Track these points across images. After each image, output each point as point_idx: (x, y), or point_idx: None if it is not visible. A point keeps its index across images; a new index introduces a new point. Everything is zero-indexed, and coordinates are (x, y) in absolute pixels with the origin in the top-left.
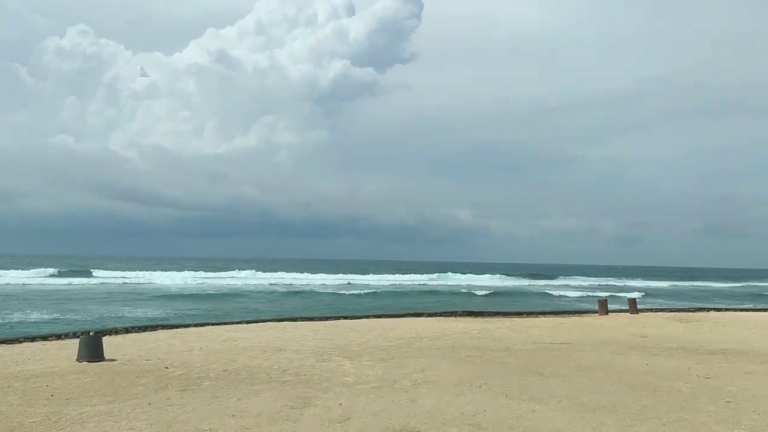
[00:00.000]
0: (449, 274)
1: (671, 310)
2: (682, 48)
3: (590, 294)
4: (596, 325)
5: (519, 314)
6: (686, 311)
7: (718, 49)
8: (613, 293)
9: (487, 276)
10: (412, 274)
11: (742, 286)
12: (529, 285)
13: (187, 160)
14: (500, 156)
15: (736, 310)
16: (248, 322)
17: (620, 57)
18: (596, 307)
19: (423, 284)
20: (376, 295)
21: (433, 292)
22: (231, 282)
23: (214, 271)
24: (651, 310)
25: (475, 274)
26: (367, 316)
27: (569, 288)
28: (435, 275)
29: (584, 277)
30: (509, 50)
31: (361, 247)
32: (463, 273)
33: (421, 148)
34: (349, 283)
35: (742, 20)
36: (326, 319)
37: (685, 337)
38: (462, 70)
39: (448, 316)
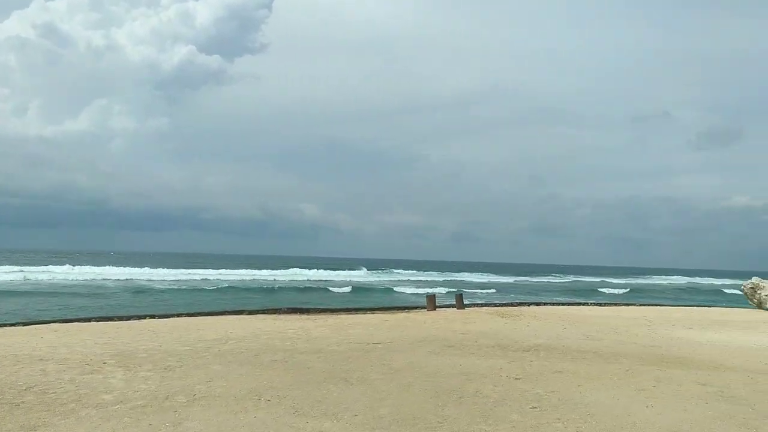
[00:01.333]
0: (296, 270)
1: (495, 305)
2: (517, 58)
3: (430, 290)
4: (420, 322)
5: (347, 311)
6: (509, 306)
7: (549, 61)
8: (450, 288)
9: (342, 272)
10: (252, 270)
11: (567, 282)
12: (376, 281)
13: (4, 141)
14: (347, 152)
15: (554, 304)
16: (25, 324)
17: (463, 63)
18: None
19: (264, 279)
20: (212, 291)
21: (269, 290)
22: (44, 277)
23: (34, 265)
24: (477, 305)
25: (324, 269)
26: (178, 315)
27: (408, 283)
28: (279, 270)
29: (425, 272)
30: (359, 47)
31: (205, 241)
32: (309, 268)
33: (268, 140)
34: (181, 279)
35: (569, 36)
36: (128, 318)
37: (503, 333)
38: (312, 65)
39: (271, 313)
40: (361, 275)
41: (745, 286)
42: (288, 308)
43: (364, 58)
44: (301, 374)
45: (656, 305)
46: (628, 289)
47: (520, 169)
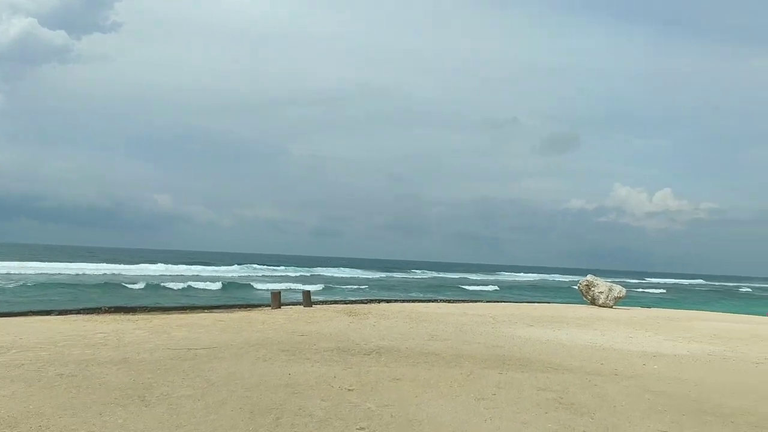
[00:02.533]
0: (145, 265)
1: (345, 303)
2: (383, 59)
3: (293, 285)
4: (259, 323)
5: (182, 309)
6: (359, 303)
7: (414, 63)
8: (315, 284)
9: (183, 267)
10: (99, 263)
11: (425, 278)
12: (235, 276)
13: None
14: (206, 143)
15: (405, 301)
16: None
17: (331, 61)
18: (294, 300)
19: (103, 274)
20: (42, 286)
21: (107, 285)
22: None
23: None
24: (326, 302)
25: (170, 264)
26: None
27: (266, 279)
28: (123, 266)
29: (286, 267)
30: (224, 35)
31: (45, 231)
32: (154, 263)
33: (120, 126)
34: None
35: (433, 39)
36: None
37: (346, 334)
38: (171, 49)
39: (88, 313)
40: (234, 270)
41: (580, 284)
42: (109, 307)
43: (229, 47)
44: (87, 393)
45: (501, 302)
46: (497, 287)
47: (381, 166)
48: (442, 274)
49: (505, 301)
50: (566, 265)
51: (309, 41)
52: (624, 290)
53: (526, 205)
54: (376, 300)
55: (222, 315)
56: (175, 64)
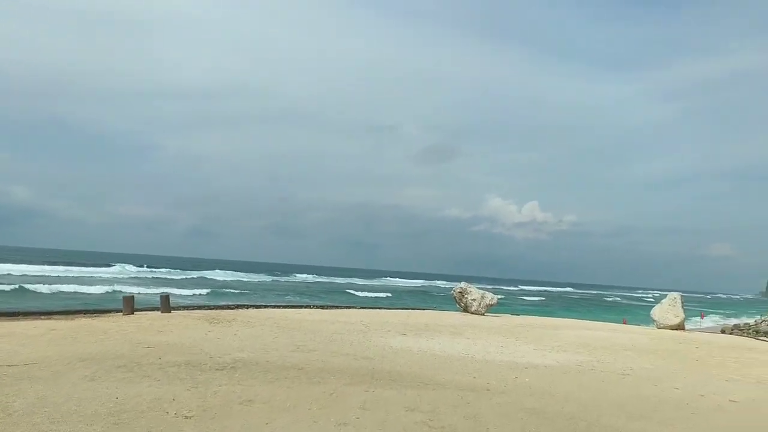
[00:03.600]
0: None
1: (209, 308)
2: (268, 58)
3: (151, 290)
4: (101, 331)
5: (12, 315)
6: (225, 308)
7: (299, 64)
8: (179, 288)
9: (47, 266)
10: None
11: (312, 282)
12: (90, 275)
13: None
14: (72, 132)
15: (275, 306)
16: None
17: (213, 56)
18: (155, 306)
19: None
20: None
21: None
22: None
23: None
24: (188, 307)
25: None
26: None
27: (127, 282)
28: None
29: (156, 269)
30: (93, 20)
31: None
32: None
33: None
34: None
35: (319, 43)
36: None
37: (200, 346)
38: (35, 31)
39: None
40: (103, 272)
41: (454, 291)
42: None
43: (100, 32)
44: None
45: (376, 308)
46: (387, 294)
47: (261, 167)
48: (328, 279)
49: (382, 308)
50: (443, 271)
51: (187, 32)
52: (496, 298)
53: (405, 212)
54: (244, 305)
55: (59, 322)
56: (40, 46)
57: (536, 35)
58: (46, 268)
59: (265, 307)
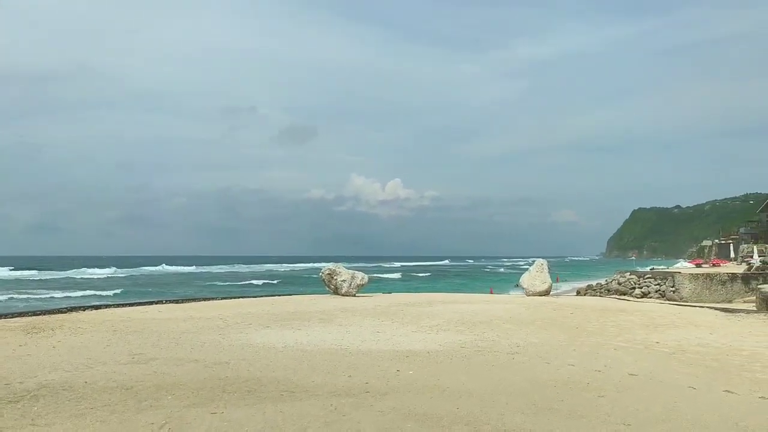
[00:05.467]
0: None
1: (33, 313)
2: (106, 38)
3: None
4: None
5: None
6: (54, 313)
7: (145, 45)
8: (40, 291)
9: None
10: None
11: (184, 273)
12: None
13: None
14: None
15: (119, 305)
16: None
17: (42, 37)
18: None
19: None
20: None
21: None
22: None
23: None
24: (4, 315)
25: None
26: None
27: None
28: None
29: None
30: None
31: None
32: None
33: None
34: None
35: (167, 23)
36: None
37: (2, 365)
38: None
39: None
40: None
41: (323, 273)
42: None
43: None
44: None
45: (239, 297)
46: (255, 280)
47: (108, 155)
48: (188, 269)
49: (247, 296)
50: (310, 253)
51: (21, 16)
52: (366, 277)
53: (268, 195)
54: (79, 307)
55: None
56: None
57: (389, 17)
58: None
59: (106, 307)
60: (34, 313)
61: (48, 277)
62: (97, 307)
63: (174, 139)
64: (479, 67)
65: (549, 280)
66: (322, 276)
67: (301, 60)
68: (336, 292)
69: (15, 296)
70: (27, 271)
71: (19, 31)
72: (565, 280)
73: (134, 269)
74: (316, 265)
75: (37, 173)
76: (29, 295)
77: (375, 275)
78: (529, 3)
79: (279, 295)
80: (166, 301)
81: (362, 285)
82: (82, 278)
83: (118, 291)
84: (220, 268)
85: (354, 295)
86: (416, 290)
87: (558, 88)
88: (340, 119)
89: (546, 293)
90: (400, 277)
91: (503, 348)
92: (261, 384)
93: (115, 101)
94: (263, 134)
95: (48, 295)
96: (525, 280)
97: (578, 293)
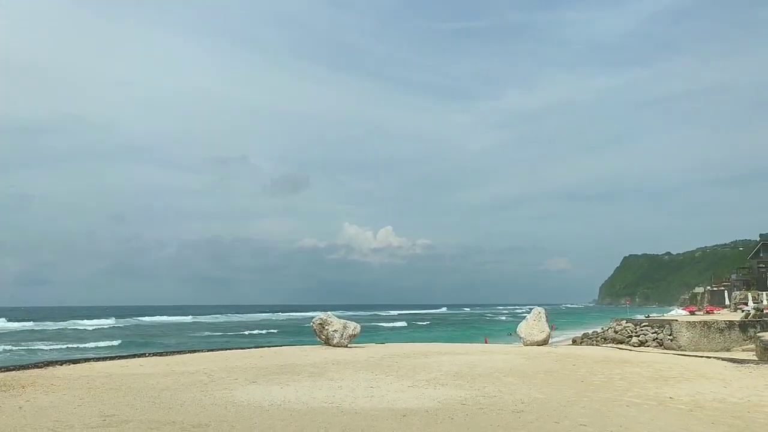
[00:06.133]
0: None
1: (5, 369)
2: (102, 92)
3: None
4: None
5: None
6: (28, 368)
7: (131, 97)
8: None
9: None
10: None
11: (175, 323)
12: None
13: None
14: None
15: (97, 359)
16: None
17: (37, 89)
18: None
19: None
20: None
21: None
22: None
23: None
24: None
25: None
26: None
27: None
28: None
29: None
30: None
31: None
32: None
33: None
34: None
35: (159, 75)
36: None
37: None
38: None
39: None
40: None
41: (314, 323)
42: None
43: None
44: None
45: (225, 350)
46: (243, 331)
47: (99, 206)
48: (178, 319)
49: (234, 348)
50: (302, 302)
51: (18, 68)
52: (359, 327)
53: (259, 245)
54: (56, 361)
55: None
56: None
57: (378, 67)
58: None
59: (86, 361)
60: (7, 369)
61: (42, 328)
62: (75, 362)
63: (164, 190)
64: (469, 116)
65: (547, 329)
66: (313, 326)
67: (291, 110)
68: (327, 342)
69: (13, 347)
70: (22, 323)
71: (10, 82)
72: (559, 329)
73: (130, 319)
74: (308, 314)
75: (26, 225)
76: (28, 346)
77: (374, 324)
78: (518, 54)
79: (269, 346)
80: (149, 354)
81: (354, 335)
82: (79, 329)
83: (116, 343)
84: (215, 318)
85: (346, 346)
86: (410, 339)
87: (547, 137)
88: (332, 168)
89: (544, 342)
90: (405, 325)
91: (507, 405)
92: None
93: (106, 153)
94: (255, 184)
95: (52, 347)
96: (522, 328)
97: (574, 342)
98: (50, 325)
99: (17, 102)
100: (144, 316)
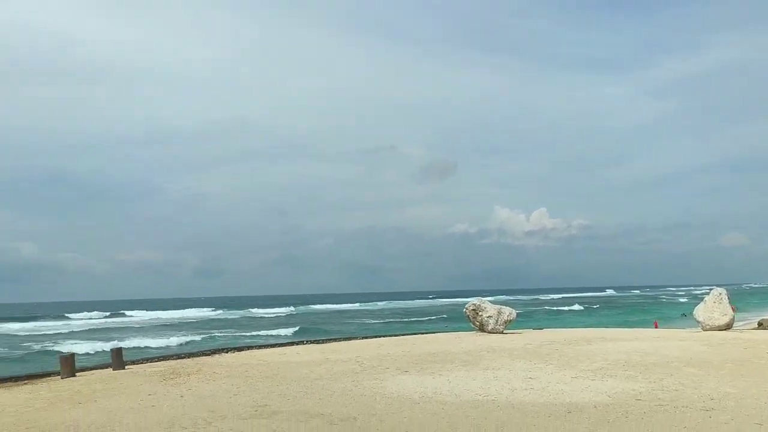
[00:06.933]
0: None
1: (178, 357)
2: (266, 94)
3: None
4: None
5: None
6: (197, 356)
7: (296, 99)
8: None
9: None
10: None
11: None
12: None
13: None
14: (73, 185)
15: (259, 347)
16: None
17: (207, 95)
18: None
19: None
20: None
21: None
22: None
23: None
24: (153, 359)
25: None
26: None
27: (134, 332)
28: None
29: (163, 312)
30: (86, 73)
31: None
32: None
33: None
34: None
35: (315, 76)
36: None
37: (111, 425)
38: (29, 89)
39: None
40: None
41: (467, 309)
42: None
43: (92, 84)
44: None
45: (377, 337)
46: (398, 318)
47: (262, 202)
48: (341, 306)
49: (387, 335)
50: (458, 287)
51: (174, 77)
52: (514, 312)
53: (411, 232)
54: (222, 349)
55: None
56: (34, 104)
57: (526, 45)
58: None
59: (248, 348)
60: (179, 357)
61: (229, 317)
62: (239, 349)
63: (320, 182)
64: (624, 88)
65: (730, 312)
66: (466, 312)
67: (438, 97)
68: (482, 329)
69: (217, 334)
70: (215, 311)
71: (180, 93)
72: (741, 311)
73: (302, 307)
74: (461, 300)
75: (202, 222)
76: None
77: (523, 310)
78: (674, 16)
79: (422, 333)
80: (306, 341)
81: (510, 321)
82: (265, 317)
83: (290, 331)
84: (374, 305)
85: (501, 332)
86: (569, 325)
87: (711, 105)
88: (479, 152)
89: (727, 327)
90: (551, 309)
91: (693, 401)
92: None
93: (268, 152)
94: (404, 172)
95: (235, 334)
96: (700, 312)
97: (760, 325)
98: (234, 313)
99: (191, 109)
100: (313, 304)
